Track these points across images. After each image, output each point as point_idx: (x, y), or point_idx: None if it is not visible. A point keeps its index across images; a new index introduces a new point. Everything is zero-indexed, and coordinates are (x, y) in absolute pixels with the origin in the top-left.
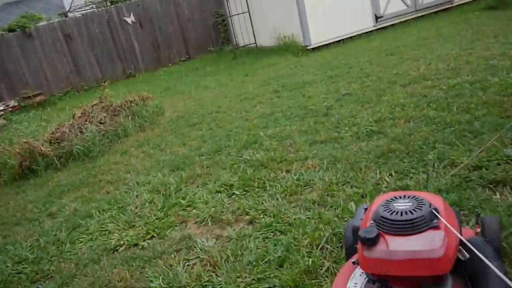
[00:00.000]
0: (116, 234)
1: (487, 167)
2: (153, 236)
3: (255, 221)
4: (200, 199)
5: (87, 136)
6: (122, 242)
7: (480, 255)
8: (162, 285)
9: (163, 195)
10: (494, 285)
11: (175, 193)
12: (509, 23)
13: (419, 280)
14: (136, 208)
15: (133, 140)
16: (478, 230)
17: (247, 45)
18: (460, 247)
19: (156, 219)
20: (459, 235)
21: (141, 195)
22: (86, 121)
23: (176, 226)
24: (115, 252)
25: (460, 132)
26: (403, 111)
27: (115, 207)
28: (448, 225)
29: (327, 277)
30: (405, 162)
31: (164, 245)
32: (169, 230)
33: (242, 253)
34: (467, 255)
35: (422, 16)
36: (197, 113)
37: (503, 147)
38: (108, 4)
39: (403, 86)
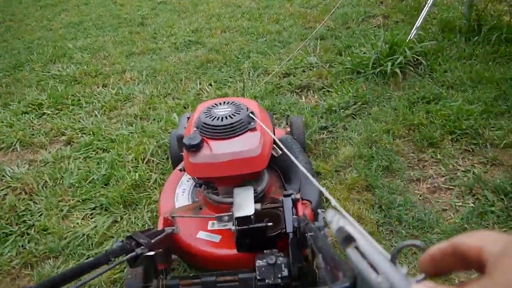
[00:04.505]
0: None
1: (294, 74)
2: None
3: (73, 141)
4: (3, 122)
5: None
6: None
7: (287, 151)
8: None
9: None
10: (298, 173)
11: None
12: None
13: (240, 178)
14: None
15: None
16: (288, 130)
17: None
18: (274, 145)
19: None
20: (272, 135)
21: None
22: None
23: None
24: None
25: (271, 42)
26: (219, 21)
27: None
28: (264, 126)
29: (155, 188)
30: (223, 72)
31: None
32: None
33: (62, 176)
34: (279, 152)
35: None
36: None
37: (307, 55)
38: None
39: None
